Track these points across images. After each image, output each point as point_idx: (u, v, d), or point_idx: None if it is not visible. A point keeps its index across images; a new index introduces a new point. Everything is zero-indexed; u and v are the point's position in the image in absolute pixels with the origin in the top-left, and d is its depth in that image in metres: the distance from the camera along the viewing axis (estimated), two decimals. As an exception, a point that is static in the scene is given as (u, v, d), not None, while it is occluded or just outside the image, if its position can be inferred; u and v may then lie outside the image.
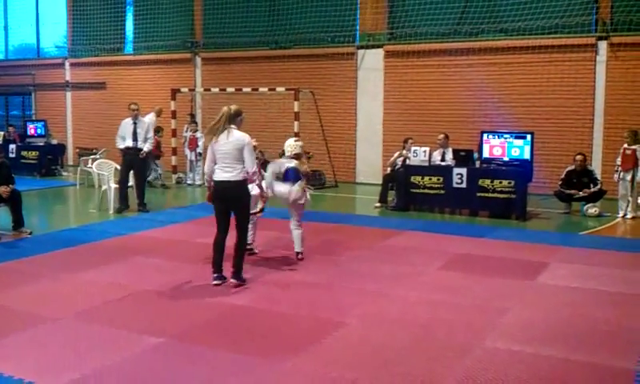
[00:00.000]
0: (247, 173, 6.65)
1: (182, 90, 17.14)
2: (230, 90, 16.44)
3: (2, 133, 18.16)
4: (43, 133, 18.36)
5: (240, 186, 6.70)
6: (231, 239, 6.87)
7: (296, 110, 14.99)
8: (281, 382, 4.44)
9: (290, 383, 4.42)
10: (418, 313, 5.96)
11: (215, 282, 6.74)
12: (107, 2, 19.94)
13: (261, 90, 15.97)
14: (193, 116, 17.30)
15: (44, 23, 22.15)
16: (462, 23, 15.14)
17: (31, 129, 18.57)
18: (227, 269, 6.88)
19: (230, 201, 6.72)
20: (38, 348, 5.02)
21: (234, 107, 6.84)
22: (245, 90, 16.21)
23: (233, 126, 6.73)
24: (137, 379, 4.43)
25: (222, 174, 6.63)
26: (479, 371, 4.59)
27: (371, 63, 16.11)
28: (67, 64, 21.04)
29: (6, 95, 22.98)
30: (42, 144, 17.98)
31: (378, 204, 12.50)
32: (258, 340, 5.23)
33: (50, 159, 17.99)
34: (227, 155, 6.60)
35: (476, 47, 14.88)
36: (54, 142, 18.79)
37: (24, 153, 17.71)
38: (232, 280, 6.77)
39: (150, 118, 16.98)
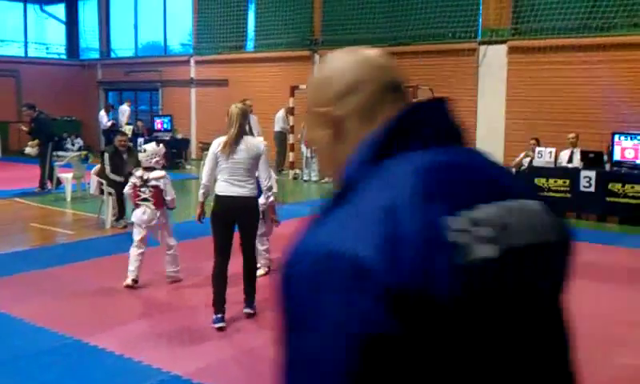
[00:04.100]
0: (262, 188, 5.66)
1: (301, 87, 17.34)
2: (348, 87, 16.45)
3: (132, 127, 19.12)
4: (169, 127, 19.18)
5: (252, 203, 5.59)
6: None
7: (414, 107, 14.77)
8: None
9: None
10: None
11: (219, 325, 5.41)
12: (230, 0, 20.51)
13: (379, 87, 15.86)
14: (311, 113, 17.48)
15: (171, 22, 23.13)
16: (592, 17, 14.35)
17: (158, 123, 19.45)
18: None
19: (239, 219, 5.56)
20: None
21: (240, 106, 5.67)
22: (362, 87, 16.15)
23: (245, 130, 5.61)
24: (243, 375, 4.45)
25: (230, 188, 5.42)
26: (612, 389, 4.30)
27: (493, 60, 15.62)
28: (192, 61, 21.84)
29: (136, 91, 24.19)
30: (167, 138, 18.76)
31: (497, 206, 12.10)
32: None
33: (175, 153, 18.76)
34: (240, 166, 5.43)
35: (607, 43, 14.05)
36: (179, 136, 19.59)
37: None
38: (248, 310, 5.69)
39: (281, 114, 17.34)
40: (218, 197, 5.49)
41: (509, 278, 0.96)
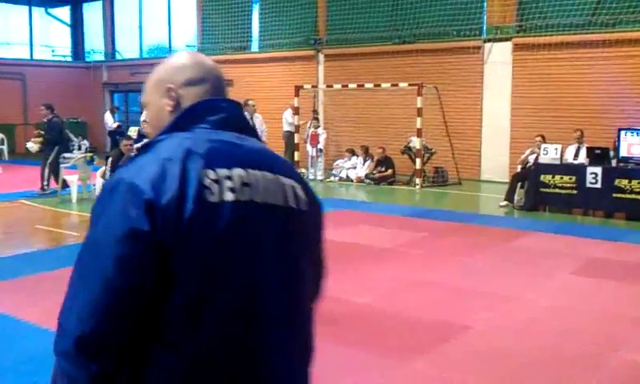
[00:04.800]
0: None
1: (305, 86, 17.34)
2: (352, 86, 16.45)
3: (137, 128, 19.15)
4: (174, 128, 19.20)
5: None
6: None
7: (419, 105, 14.75)
8: (404, 385, 4.34)
9: (414, 387, 4.31)
10: (547, 320, 5.65)
11: None
12: (234, 0, 20.53)
13: (383, 85, 15.85)
14: (315, 112, 17.48)
15: (175, 23, 23.16)
16: (597, 13, 14.29)
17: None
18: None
19: None
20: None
21: None
22: (367, 85, 16.15)
23: None
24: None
25: None
26: (619, 387, 4.28)
27: (498, 57, 15.57)
28: (197, 62, 21.84)
29: (141, 92, 24.25)
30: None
31: (503, 203, 12.07)
32: (378, 339, 5.15)
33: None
34: None
35: (613, 39, 13.99)
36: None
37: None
38: None
39: (288, 114, 17.23)
40: None
41: (239, 216, 1.40)
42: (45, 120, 13.44)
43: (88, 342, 1.29)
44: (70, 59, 26.13)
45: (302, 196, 1.56)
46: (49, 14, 25.60)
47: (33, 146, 13.22)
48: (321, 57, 18.81)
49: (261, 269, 1.43)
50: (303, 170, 16.40)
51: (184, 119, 1.51)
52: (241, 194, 1.41)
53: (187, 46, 22.89)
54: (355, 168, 15.94)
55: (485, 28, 15.96)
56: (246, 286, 1.41)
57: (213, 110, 1.53)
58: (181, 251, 1.33)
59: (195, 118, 1.51)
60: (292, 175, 1.57)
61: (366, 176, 15.52)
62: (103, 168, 10.03)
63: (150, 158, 1.40)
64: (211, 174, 1.38)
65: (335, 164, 16.53)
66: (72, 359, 1.31)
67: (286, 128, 17.15)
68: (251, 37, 20.83)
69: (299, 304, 1.55)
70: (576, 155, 11.70)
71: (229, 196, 1.39)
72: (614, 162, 11.18)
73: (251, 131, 1.59)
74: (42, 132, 13.67)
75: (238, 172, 1.43)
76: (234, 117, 1.56)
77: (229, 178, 1.40)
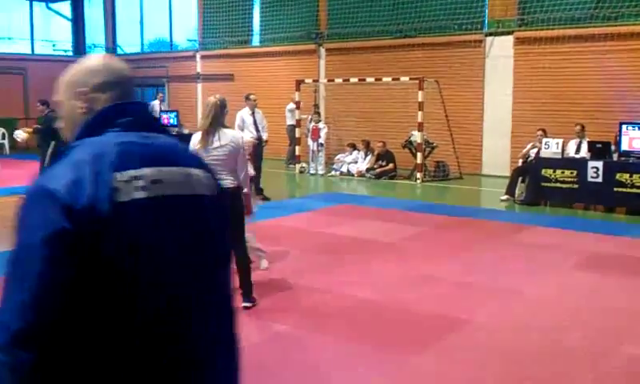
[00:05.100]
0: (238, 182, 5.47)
1: (306, 80, 17.31)
2: (354, 80, 16.43)
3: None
4: (176, 123, 19.16)
5: (236, 194, 5.35)
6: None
7: (420, 99, 14.73)
8: (402, 379, 4.34)
9: (412, 381, 4.31)
10: (549, 314, 5.65)
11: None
12: (235, -5, 20.51)
13: (384, 79, 15.83)
14: (317, 106, 17.45)
15: (176, 17, 23.12)
16: (599, 7, 14.24)
17: (165, 119, 19.40)
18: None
19: None
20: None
21: (219, 96, 5.56)
22: (368, 80, 16.13)
23: (222, 122, 5.46)
24: (261, 365, 4.46)
25: None
26: (615, 379, 4.28)
27: (500, 51, 15.53)
28: (198, 56, 21.85)
29: (142, 87, 24.24)
30: (174, 133, 18.76)
31: (504, 197, 12.07)
32: (378, 334, 5.16)
33: (182, 148, 18.70)
34: (218, 162, 5.20)
35: (615, 33, 13.95)
36: (186, 131, 19.52)
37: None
38: (245, 304, 5.57)
39: (293, 108, 17.19)
40: None
41: (152, 212, 1.49)
42: (43, 115, 13.44)
43: (24, 335, 1.37)
44: (71, 54, 26.07)
45: (210, 183, 1.67)
46: (50, 8, 25.56)
47: (21, 133, 13.19)
48: (322, 51, 18.78)
49: (179, 258, 1.53)
50: (304, 165, 16.41)
51: (96, 123, 1.59)
52: (151, 191, 1.50)
53: (188, 40, 22.88)
54: (356, 162, 15.93)
55: (486, 22, 15.92)
56: (165, 276, 1.50)
57: (123, 113, 1.61)
58: (100, 251, 1.41)
59: (106, 121, 1.59)
60: (199, 165, 1.67)
61: (367, 170, 15.50)
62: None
63: (65, 165, 1.48)
64: (121, 175, 1.47)
65: (336, 158, 16.52)
66: (9, 351, 1.38)
67: (290, 122, 17.14)
68: (252, 31, 20.79)
69: (222, 289, 1.69)
70: (577, 149, 11.69)
71: (139, 194, 1.47)
72: (615, 157, 11.18)
73: (160, 129, 1.69)
74: (39, 126, 13.64)
75: (147, 171, 1.51)
76: (143, 118, 1.66)
77: (138, 177, 1.49)
